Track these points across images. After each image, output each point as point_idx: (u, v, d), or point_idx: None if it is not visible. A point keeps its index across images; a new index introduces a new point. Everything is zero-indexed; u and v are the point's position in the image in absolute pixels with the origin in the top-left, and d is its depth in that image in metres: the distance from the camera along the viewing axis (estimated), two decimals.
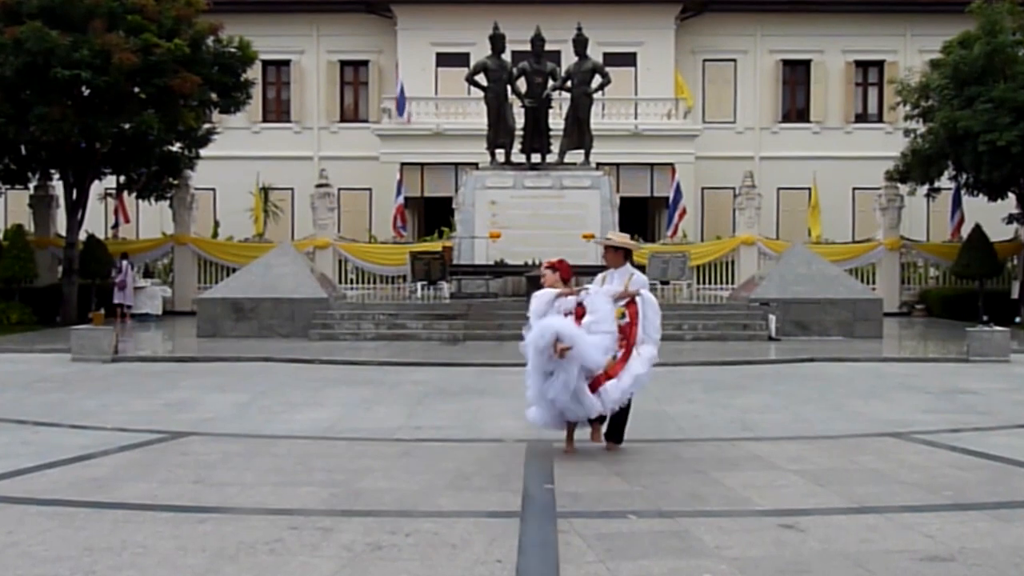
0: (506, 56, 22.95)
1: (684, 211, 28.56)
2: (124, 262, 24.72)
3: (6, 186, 25.14)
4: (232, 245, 27.85)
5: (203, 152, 25.65)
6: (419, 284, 22.41)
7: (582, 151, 23.12)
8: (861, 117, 33.69)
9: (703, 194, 32.19)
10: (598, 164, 24.26)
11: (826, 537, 5.50)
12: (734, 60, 33.44)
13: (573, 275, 8.34)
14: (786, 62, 33.52)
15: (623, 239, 8.60)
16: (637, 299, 8.09)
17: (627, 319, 8.02)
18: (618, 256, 8.32)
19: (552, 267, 8.17)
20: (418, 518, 5.94)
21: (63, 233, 24.98)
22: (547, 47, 22.94)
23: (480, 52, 24.90)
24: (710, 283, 27.15)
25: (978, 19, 23.19)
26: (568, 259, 8.40)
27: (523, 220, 21.84)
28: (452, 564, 5.01)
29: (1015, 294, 25.12)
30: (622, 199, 25.14)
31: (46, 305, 23.75)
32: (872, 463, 7.72)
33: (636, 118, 30.80)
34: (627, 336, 7.97)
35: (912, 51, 32.04)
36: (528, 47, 22.76)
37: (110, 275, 24.76)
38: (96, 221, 27.49)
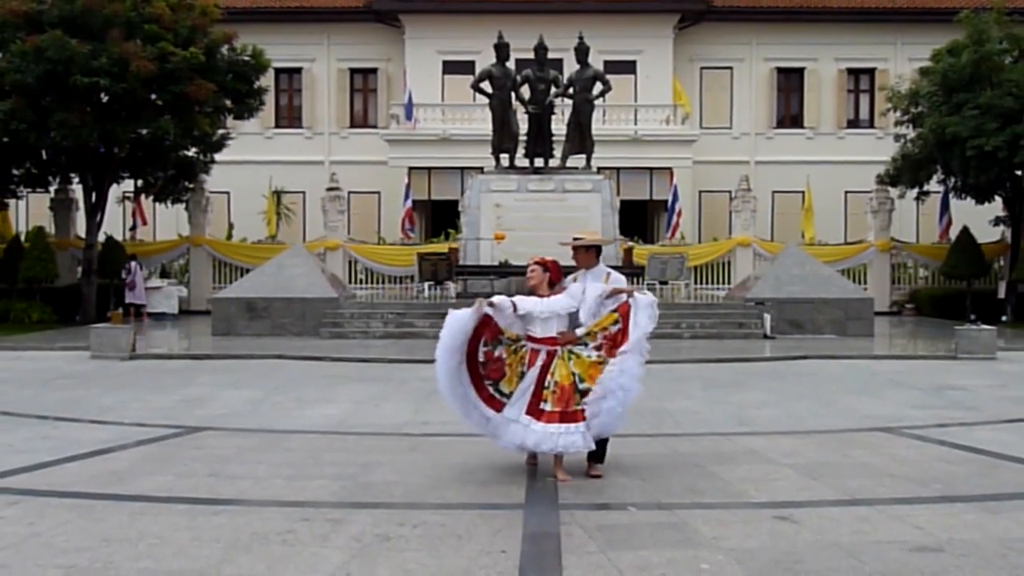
0: (510, 64, 22.94)
1: (680, 212, 28.56)
2: (133, 263, 24.70)
3: (27, 189, 25.21)
4: (246, 247, 27.86)
5: (218, 157, 25.65)
6: (426, 284, 22.42)
7: (584, 156, 23.09)
8: (853, 123, 33.65)
9: (701, 197, 32.15)
10: (599, 168, 24.25)
11: (819, 528, 5.50)
12: (730, 68, 33.41)
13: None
14: (781, 70, 33.48)
15: (594, 236, 7.54)
16: (630, 300, 6.85)
17: (619, 325, 6.80)
18: (589, 256, 7.17)
19: (543, 265, 7.02)
20: (425, 510, 5.95)
21: (82, 235, 24.99)
22: (550, 55, 22.90)
23: (485, 60, 24.87)
24: (707, 283, 27.11)
25: (966, 28, 23.16)
26: (567, 260, 7.54)
27: (526, 222, 21.81)
28: (458, 554, 5.01)
29: (1001, 294, 25.07)
30: (622, 202, 25.11)
31: (66, 304, 23.77)
32: (864, 457, 7.71)
33: (636, 124, 30.77)
34: (616, 345, 6.75)
35: (902, 59, 32.00)
36: (531, 55, 22.73)
37: (120, 277, 24.76)
38: (114, 223, 27.52)
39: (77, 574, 4.69)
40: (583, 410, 6.57)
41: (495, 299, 6.87)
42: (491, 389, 6.80)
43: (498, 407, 6.78)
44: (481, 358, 6.79)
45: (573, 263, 7.22)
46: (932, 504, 6.13)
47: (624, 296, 6.85)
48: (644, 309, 6.78)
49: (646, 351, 6.81)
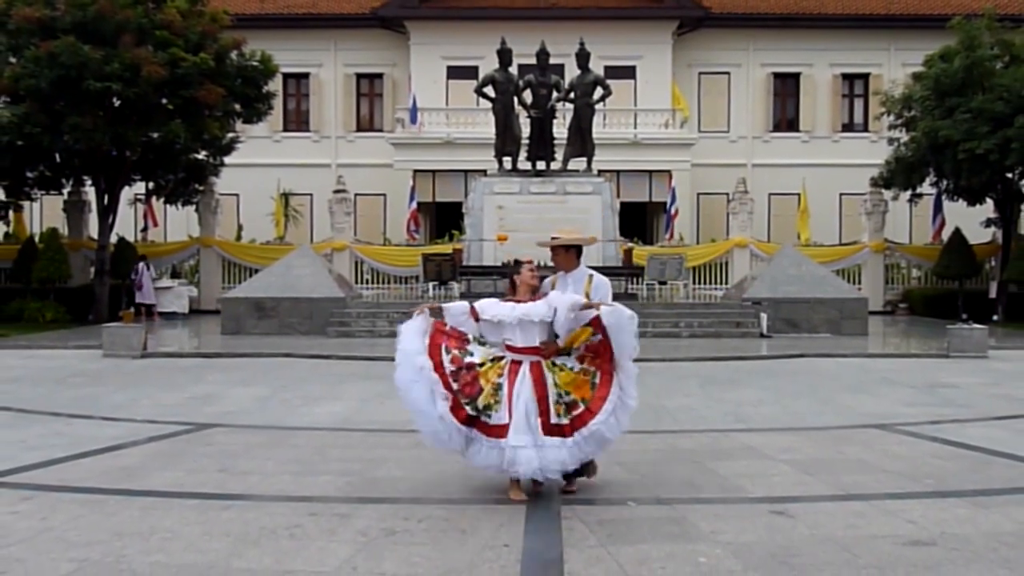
0: (513, 69, 22.93)
1: (676, 212, 28.60)
2: (140, 264, 24.72)
3: (41, 192, 25.24)
4: (254, 247, 27.87)
5: (227, 160, 25.68)
6: (431, 284, 22.40)
7: (584, 159, 23.07)
8: (847, 127, 33.60)
9: (699, 199, 32.15)
10: (600, 171, 24.20)
11: (815, 523, 5.50)
12: (728, 73, 33.37)
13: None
14: (777, 75, 33.44)
15: (572, 234, 6.61)
16: (600, 315, 6.04)
17: (599, 336, 6.10)
18: (569, 257, 6.41)
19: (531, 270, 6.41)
20: (430, 505, 5.95)
21: (95, 236, 25.02)
22: (551, 60, 22.88)
23: (488, 65, 24.86)
24: (705, 283, 27.10)
25: (958, 34, 23.14)
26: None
27: (529, 224, 21.72)
28: (462, 548, 5.01)
29: (992, 294, 25.09)
30: (622, 204, 25.08)
31: (79, 304, 23.80)
32: (858, 453, 7.71)
33: (635, 128, 30.75)
34: (600, 356, 6.12)
35: (896, 64, 31.92)
36: (534, 60, 22.70)
37: (129, 277, 24.77)
38: (126, 225, 27.54)
39: (89, 568, 4.70)
40: (569, 424, 5.99)
41: (444, 304, 6.36)
42: (468, 409, 5.99)
43: (489, 430, 5.99)
44: (450, 366, 6.06)
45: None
46: (925, 499, 6.12)
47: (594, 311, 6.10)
48: (622, 328, 6.09)
49: (634, 376, 6.25)
